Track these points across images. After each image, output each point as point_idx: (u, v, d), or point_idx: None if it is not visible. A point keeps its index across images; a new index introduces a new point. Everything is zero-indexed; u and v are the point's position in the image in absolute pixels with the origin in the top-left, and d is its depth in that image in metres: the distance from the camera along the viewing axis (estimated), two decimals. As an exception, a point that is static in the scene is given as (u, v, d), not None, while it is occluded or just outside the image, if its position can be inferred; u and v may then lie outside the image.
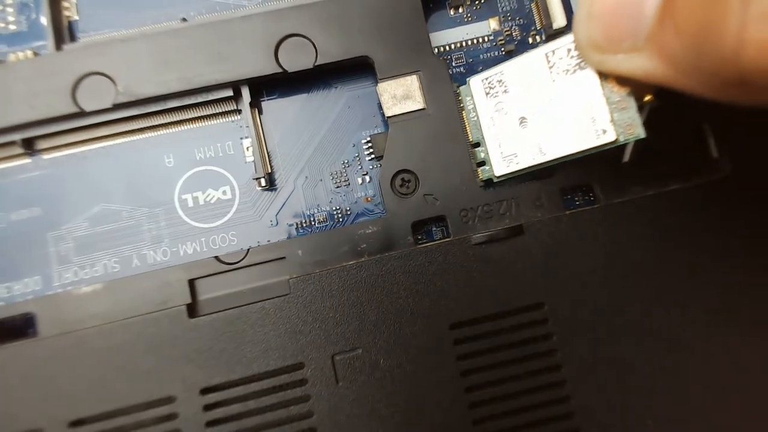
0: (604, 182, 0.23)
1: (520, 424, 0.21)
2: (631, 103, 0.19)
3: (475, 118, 0.22)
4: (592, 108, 0.19)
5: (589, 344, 0.21)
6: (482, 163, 0.22)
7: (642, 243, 0.22)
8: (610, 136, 0.19)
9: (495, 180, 0.22)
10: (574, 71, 0.20)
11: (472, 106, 0.22)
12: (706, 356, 0.21)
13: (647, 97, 0.19)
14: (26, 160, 0.23)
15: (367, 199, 0.24)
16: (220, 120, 0.24)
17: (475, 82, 0.22)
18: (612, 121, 0.19)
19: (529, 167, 0.21)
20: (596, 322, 0.21)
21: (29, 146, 0.23)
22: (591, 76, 0.19)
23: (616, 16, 0.17)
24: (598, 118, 0.19)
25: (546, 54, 0.20)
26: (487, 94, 0.22)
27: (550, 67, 0.20)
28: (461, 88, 0.23)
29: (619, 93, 0.19)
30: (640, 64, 0.17)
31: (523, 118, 0.21)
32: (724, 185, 0.22)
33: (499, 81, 0.22)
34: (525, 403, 0.21)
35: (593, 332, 0.21)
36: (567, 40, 0.20)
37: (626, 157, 0.23)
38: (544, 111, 0.21)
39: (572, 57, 0.20)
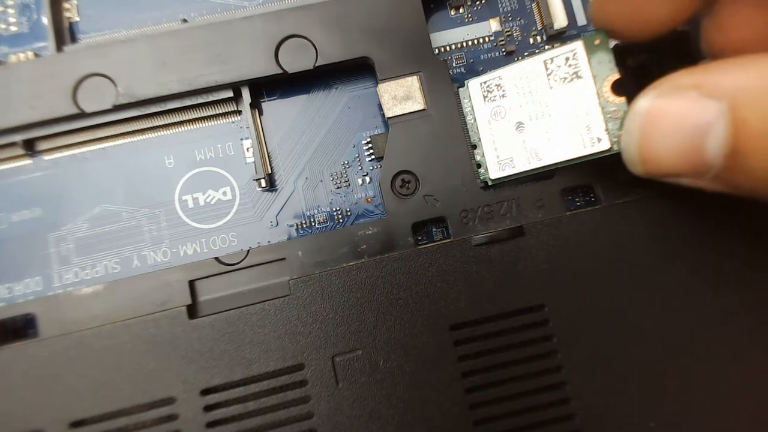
0: (605, 183, 0.23)
1: (520, 425, 0.21)
2: (626, 113, 0.19)
3: (472, 121, 0.22)
4: (587, 116, 0.20)
5: (590, 346, 0.21)
6: (478, 166, 0.22)
7: (643, 244, 0.22)
8: (604, 145, 0.20)
9: (490, 183, 0.22)
10: (572, 80, 0.20)
11: (469, 108, 0.23)
12: (707, 357, 0.21)
13: None
14: (27, 161, 0.24)
15: (367, 200, 0.24)
16: (221, 121, 0.24)
17: (473, 85, 0.22)
18: (607, 130, 0.20)
19: (525, 172, 0.22)
20: (597, 323, 0.21)
21: (30, 147, 0.23)
22: (587, 86, 0.20)
23: (674, 148, 0.17)
24: (593, 126, 0.20)
25: (544, 61, 0.21)
26: (485, 97, 0.22)
27: (548, 75, 0.21)
28: (459, 90, 0.23)
29: (614, 103, 0.20)
30: (696, 184, 0.17)
31: (520, 122, 0.21)
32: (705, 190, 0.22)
33: (498, 85, 0.22)
34: (525, 405, 0.21)
35: (594, 334, 0.21)
36: (565, 49, 0.20)
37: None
38: (541, 117, 0.21)
39: (570, 65, 0.20)
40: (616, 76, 0.20)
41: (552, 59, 0.21)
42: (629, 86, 0.20)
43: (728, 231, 0.22)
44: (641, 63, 0.24)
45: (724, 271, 0.22)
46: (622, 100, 0.20)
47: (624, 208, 0.22)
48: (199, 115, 0.24)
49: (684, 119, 0.16)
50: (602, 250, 0.22)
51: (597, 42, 0.20)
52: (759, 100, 0.14)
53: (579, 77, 0.20)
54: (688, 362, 0.21)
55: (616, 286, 0.22)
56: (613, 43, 0.21)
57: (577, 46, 0.21)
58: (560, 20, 0.24)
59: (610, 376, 0.21)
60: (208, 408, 0.21)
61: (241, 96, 0.23)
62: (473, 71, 0.25)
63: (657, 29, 0.20)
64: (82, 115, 0.22)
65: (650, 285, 0.22)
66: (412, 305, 0.21)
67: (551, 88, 0.21)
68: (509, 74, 0.22)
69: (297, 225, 0.24)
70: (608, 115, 0.20)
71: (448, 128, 0.23)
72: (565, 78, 0.21)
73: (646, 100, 0.17)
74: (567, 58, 0.21)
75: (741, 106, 0.15)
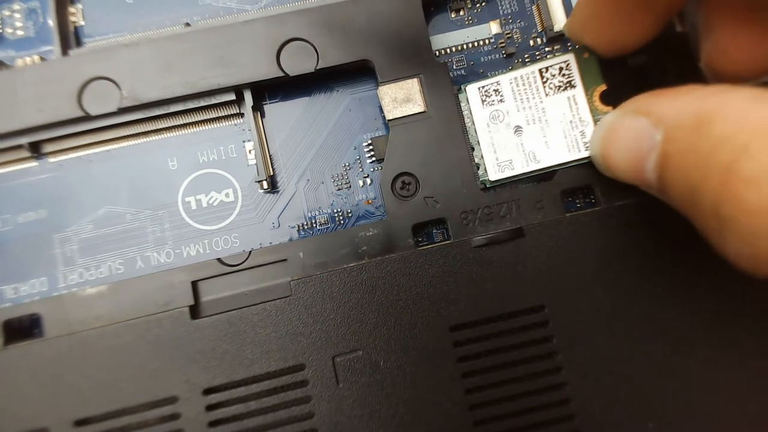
0: (605, 185, 0.23)
1: (520, 425, 0.21)
2: None
3: (470, 124, 0.23)
4: (580, 122, 0.22)
5: (590, 347, 0.21)
6: (477, 168, 0.23)
7: (643, 246, 0.22)
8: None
9: (489, 185, 0.23)
10: (566, 88, 0.22)
11: (467, 112, 0.23)
12: (707, 358, 0.21)
13: None
14: (33, 164, 0.24)
15: (368, 201, 0.24)
16: (223, 123, 0.24)
17: (472, 89, 0.23)
18: None
19: (524, 174, 0.22)
20: (596, 324, 0.21)
21: (36, 150, 0.23)
22: (580, 94, 0.22)
23: (625, 161, 0.19)
24: (586, 132, 0.22)
25: (540, 70, 0.22)
26: (483, 101, 0.23)
27: (544, 83, 0.22)
28: (457, 94, 0.23)
29: (603, 111, 0.22)
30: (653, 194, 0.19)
31: (518, 126, 0.22)
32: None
33: (496, 90, 0.23)
34: (525, 405, 0.21)
35: (593, 335, 0.21)
36: (559, 59, 0.22)
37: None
38: (538, 121, 0.22)
39: (564, 75, 0.22)
40: (603, 87, 0.22)
41: (547, 68, 0.22)
42: (619, 95, 0.21)
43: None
44: (641, 64, 0.24)
45: (725, 272, 0.22)
46: (610, 109, 0.22)
47: (624, 210, 0.22)
48: (202, 118, 0.24)
49: (632, 140, 0.18)
50: (602, 252, 0.22)
51: (586, 55, 0.22)
52: (681, 138, 0.16)
53: (572, 86, 0.22)
54: (688, 363, 0.21)
55: (616, 287, 0.22)
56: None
57: (570, 57, 0.22)
58: (560, 22, 0.24)
59: (609, 376, 0.21)
60: (210, 407, 0.21)
61: (244, 99, 0.23)
62: (473, 74, 0.25)
63: (631, 48, 0.21)
64: (87, 117, 0.23)
65: (650, 286, 0.22)
66: (412, 306, 0.21)
67: (547, 94, 0.22)
68: (507, 80, 0.23)
69: (298, 226, 0.24)
70: (598, 122, 0.21)
71: (449, 130, 0.23)
72: (560, 86, 0.22)
73: (610, 116, 0.20)
74: (561, 68, 0.22)
75: (670, 141, 0.16)
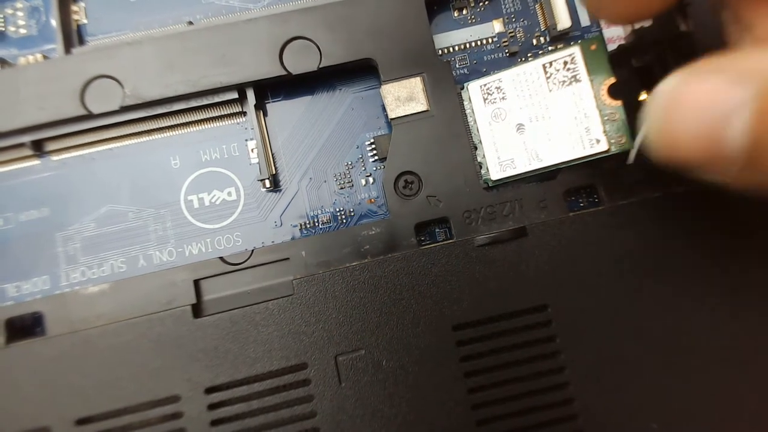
0: (608, 184, 0.23)
1: (523, 425, 0.21)
2: (622, 115, 0.20)
3: (473, 122, 0.23)
4: (586, 118, 0.21)
5: (593, 346, 0.21)
6: (479, 166, 0.23)
7: (646, 245, 0.22)
8: (603, 146, 0.21)
9: (491, 184, 0.22)
10: (570, 83, 0.21)
11: (469, 110, 0.23)
12: (710, 358, 0.21)
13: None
14: (35, 162, 0.24)
15: (370, 200, 0.24)
16: (226, 122, 0.24)
17: (473, 87, 0.23)
18: (605, 132, 0.21)
19: (526, 172, 0.22)
20: (600, 324, 0.21)
21: (38, 148, 0.23)
22: (585, 89, 0.21)
23: (693, 133, 0.15)
24: (592, 128, 0.21)
25: (543, 65, 0.22)
26: (485, 99, 0.22)
27: (548, 78, 0.21)
28: (459, 92, 0.23)
29: (611, 106, 0.21)
30: (721, 178, 0.16)
31: (521, 124, 0.22)
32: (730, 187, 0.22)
33: (498, 88, 0.22)
34: (528, 405, 0.21)
35: (597, 334, 0.21)
36: (564, 53, 0.21)
37: (631, 158, 0.23)
38: (541, 119, 0.22)
39: (568, 69, 0.21)
40: (612, 80, 0.21)
41: (551, 63, 0.21)
42: (626, 89, 0.21)
43: (732, 232, 0.22)
44: (645, 63, 0.24)
45: (728, 272, 0.22)
46: (618, 103, 0.21)
47: (627, 209, 0.22)
48: (205, 117, 0.24)
49: (706, 103, 0.15)
50: (605, 251, 0.22)
51: (593, 47, 0.21)
52: None
53: (577, 81, 0.21)
54: (691, 363, 0.21)
55: (619, 287, 0.22)
56: (611, 47, 0.21)
57: (575, 50, 0.21)
58: (563, 21, 0.24)
59: (612, 376, 0.21)
60: (213, 406, 0.21)
61: (246, 97, 0.23)
62: (476, 72, 0.25)
63: (657, 9, 0.18)
64: (89, 116, 0.23)
65: (653, 286, 0.22)
66: (414, 305, 0.21)
67: (551, 90, 0.21)
68: (509, 77, 0.22)
69: (301, 225, 0.24)
70: (605, 118, 0.21)
71: (451, 129, 0.23)
72: (564, 81, 0.21)
73: (670, 81, 0.16)
74: (565, 62, 0.21)
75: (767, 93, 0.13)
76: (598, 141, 0.21)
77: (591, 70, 0.21)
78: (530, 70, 0.22)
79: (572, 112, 0.21)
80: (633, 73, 0.23)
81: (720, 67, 0.15)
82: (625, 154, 0.22)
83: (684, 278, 0.22)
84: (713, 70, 0.15)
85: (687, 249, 0.22)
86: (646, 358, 0.21)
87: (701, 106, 0.15)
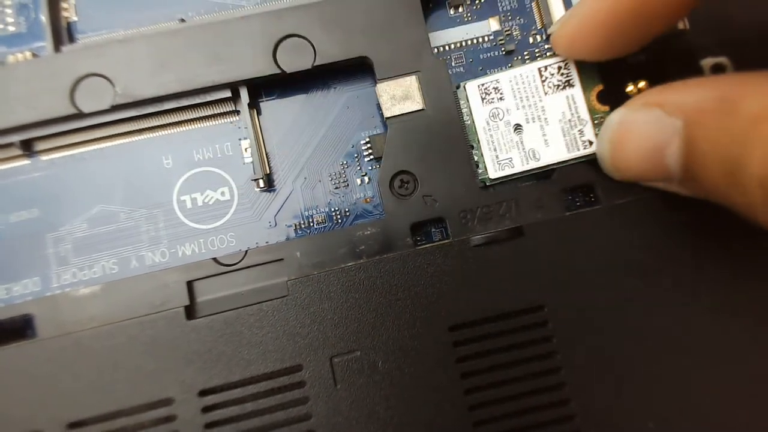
0: (605, 183, 0.22)
1: (520, 426, 0.21)
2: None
3: (470, 122, 0.23)
4: (579, 121, 0.22)
5: (590, 346, 0.21)
6: (476, 166, 0.23)
7: (643, 244, 0.22)
8: (595, 148, 0.22)
9: (489, 183, 0.22)
10: (564, 87, 0.22)
11: (466, 109, 0.23)
12: (708, 358, 0.21)
13: None
14: (25, 162, 0.23)
15: (366, 200, 0.24)
16: (219, 121, 0.24)
17: (471, 87, 0.23)
18: (596, 134, 0.22)
19: (523, 172, 0.22)
20: (597, 324, 0.21)
21: (28, 148, 0.23)
22: (578, 93, 0.22)
23: (640, 157, 0.19)
24: (585, 130, 0.22)
25: (539, 68, 0.22)
26: (483, 99, 0.23)
27: (543, 81, 0.22)
28: (456, 91, 0.23)
29: (601, 111, 0.22)
30: (669, 188, 0.20)
31: (518, 125, 0.22)
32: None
33: (495, 88, 0.22)
34: (525, 405, 0.21)
35: (594, 334, 0.21)
36: (558, 59, 0.23)
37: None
38: (537, 120, 0.22)
39: (562, 74, 0.22)
40: (600, 87, 0.22)
41: (546, 67, 0.22)
42: (614, 95, 0.22)
43: (728, 230, 0.22)
44: (640, 62, 0.23)
45: (725, 271, 0.22)
46: (606, 108, 0.22)
47: (624, 209, 0.22)
48: (197, 115, 0.24)
49: (648, 133, 0.18)
50: (602, 251, 0.22)
51: None
52: (708, 121, 0.16)
53: (571, 85, 0.22)
54: (688, 362, 0.21)
55: (616, 286, 0.21)
56: None
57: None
58: (560, 19, 0.24)
59: (609, 376, 0.21)
60: (207, 409, 0.21)
61: (239, 96, 0.23)
62: (472, 71, 0.25)
63: (624, 55, 0.21)
64: (80, 115, 0.22)
65: (650, 285, 0.22)
66: (410, 306, 0.21)
67: (546, 93, 0.22)
68: (506, 78, 0.22)
69: (295, 225, 0.23)
70: (596, 121, 0.22)
71: (447, 128, 0.23)
72: (559, 85, 0.22)
73: (618, 114, 0.20)
74: (559, 67, 0.22)
75: (694, 126, 0.17)
76: (590, 143, 0.22)
77: (582, 77, 0.22)
78: (527, 72, 0.22)
79: (567, 114, 0.22)
80: (627, 72, 0.23)
81: (657, 100, 0.18)
82: None
83: (680, 277, 0.22)
84: (652, 104, 0.18)
85: (684, 248, 0.22)
86: (643, 357, 0.21)
87: (644, 136, 0.19)
